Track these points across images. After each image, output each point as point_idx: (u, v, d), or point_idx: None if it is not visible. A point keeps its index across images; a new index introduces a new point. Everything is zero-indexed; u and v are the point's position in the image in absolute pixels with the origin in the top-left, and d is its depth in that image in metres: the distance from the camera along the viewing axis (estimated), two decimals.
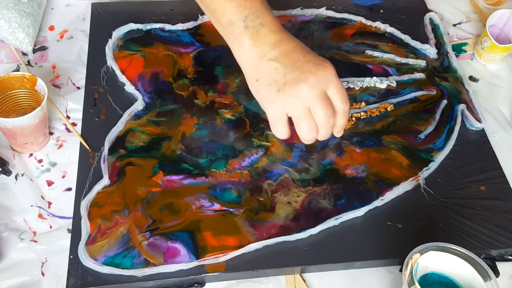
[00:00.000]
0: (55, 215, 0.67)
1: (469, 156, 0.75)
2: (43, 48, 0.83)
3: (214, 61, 0.81)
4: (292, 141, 0.73)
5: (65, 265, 0.61)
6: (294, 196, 0.68)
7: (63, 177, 0.70)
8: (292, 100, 0.60)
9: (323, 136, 0.63)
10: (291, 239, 0.64)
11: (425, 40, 0.87)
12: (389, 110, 0.78)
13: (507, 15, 0.86)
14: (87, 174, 0.68)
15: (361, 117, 0.77)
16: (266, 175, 0.70)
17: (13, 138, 0.69)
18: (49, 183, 0.69)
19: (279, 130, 0.63)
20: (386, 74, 0.82)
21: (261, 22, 0.59)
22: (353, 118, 0.76)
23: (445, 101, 0.80)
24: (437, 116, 0.78)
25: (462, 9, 0.96)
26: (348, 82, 0.80)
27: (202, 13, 0.86)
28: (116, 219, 0.64)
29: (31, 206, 0.67)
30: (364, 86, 0.80)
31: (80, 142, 0.71)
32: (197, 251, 0.63)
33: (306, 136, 0.63)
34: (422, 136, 0.76)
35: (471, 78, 0.86)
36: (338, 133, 0.66)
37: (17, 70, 0.80)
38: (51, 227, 0.66)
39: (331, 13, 0.89)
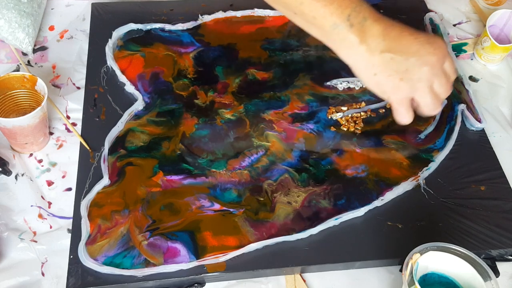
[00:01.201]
0: (55, 215, 0.67)
1: (469, 156, 0.74)
2: (43, 48, 0.83)
3: (214, 61, 0.81)
4: (292, 141, 0.73)
5: (65, 265, 0.61)
6: (294, 196, 0.68)
7: (63, 177, 0.70)
8: (417, 85, 0.59)
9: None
10: (291, 239, 0.64)
11: None
12: (389, 108, 0.78)
13: (507, 15, 0.86)
14: (87, 174, 0.68)
15: (361, 117, 0.77)
16: (266, 175, 0.70)
17: (13, 138, 0.69)
18: (49, 183, 0.69)
19: (405, 115, 0.62)
20: None
21: (364, 16, 0.58)
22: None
23: (445, 101, 0.79)
24: (437, 116, 0.78)
25: (462, 9, 0.96)
26: (348, 82, 0.80)
27: (202, 13, 0.86)
28: (116, 219, 0.64)
29: (31, 206, 0.67)
30: (364, 86, 0.80)
31: (80, 142, 0.71)
32: (197, 251, 0.63)
33: (432, 112, 0.63)
34: (422, 136, 0.76)
35: (471, 78, 0.86)
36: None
37: (17, 70, 0.80)
38: (51, 227, 0.66)
39: None
